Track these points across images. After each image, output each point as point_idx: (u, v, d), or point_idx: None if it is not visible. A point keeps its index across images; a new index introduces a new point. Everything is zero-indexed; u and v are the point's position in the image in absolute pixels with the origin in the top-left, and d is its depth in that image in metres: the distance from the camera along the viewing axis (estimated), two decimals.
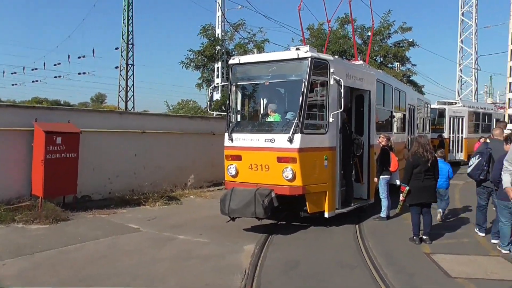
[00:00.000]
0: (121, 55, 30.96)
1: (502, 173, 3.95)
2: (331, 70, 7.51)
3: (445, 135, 20.69)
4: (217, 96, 17.61)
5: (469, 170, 7.22)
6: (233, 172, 7.76)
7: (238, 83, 8.24)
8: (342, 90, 7.23)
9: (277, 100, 8.25)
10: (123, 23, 30.86)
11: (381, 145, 8.67)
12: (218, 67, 17.82)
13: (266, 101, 8.25)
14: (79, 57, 34.20)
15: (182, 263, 5.75)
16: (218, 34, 17.92)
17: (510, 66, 24.56)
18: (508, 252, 6.21)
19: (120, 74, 31.28)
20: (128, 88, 31.23)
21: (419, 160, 6.79)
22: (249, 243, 6.73)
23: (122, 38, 30.85)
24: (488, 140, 8.27)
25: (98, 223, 7.99)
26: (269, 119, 7.89)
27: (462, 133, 21.97)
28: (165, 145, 11.42)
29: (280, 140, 7.26)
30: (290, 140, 7.14)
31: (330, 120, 7.48)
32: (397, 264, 5.79)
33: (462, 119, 22.08)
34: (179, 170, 11.65)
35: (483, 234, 7.34)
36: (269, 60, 7.96)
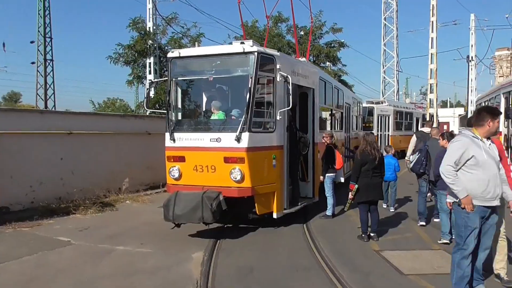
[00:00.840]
0: (38, 50, 28.34)
1: (450, 180, 4.06)
2: (278, 66, 7.26)
3: (374, 132, 21.63)
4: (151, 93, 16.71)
5: (411, 165, 8.09)
6: (176, 175, 7.22)
7: (178, 79, 7.69)
8: (290, 87, 7.02)
9: (221, 96, 7.84)
10: (39, 14, 28.26)
11: (326, 143, 8.62)
12: (150, 63, 16.93)
13: (209, 98, 7.79)
14: None
15: (126, 279, 5.13)
16: (149, 27, 17.01)
17: (431, 69, 26.53)
18: (448, 241, 6.54)
19: (38, 71, 28.64)
20: (48, 86, 28.71)
21: (367, 158, 6.79)
22: (197, 251, 6.26)
23: (38, 31, 28.24)
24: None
25: (21, 238, 7.00)
26: (213, 117, 7.45)
27: (388, 130, 23.15)
28: (95, 147, 10.48)
29: (227, 139, 6.87)
30: (238, 139, 6.78)
31: (278, 118, 7.23)
32: (351, 264, 5.69)
33: (389, 117, 23.29)
34: (112, 174, 10.78)
35: (424, 223, 7.85)
36: (212, 54, 7.51)
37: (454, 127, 37.52)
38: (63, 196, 9.44)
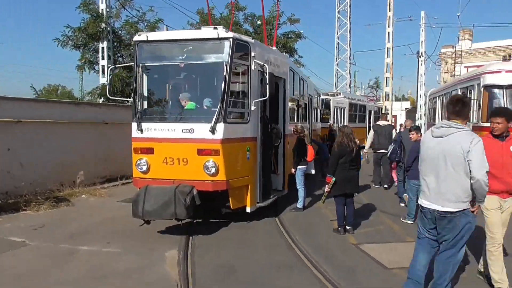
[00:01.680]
0: None
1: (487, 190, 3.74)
2: (252, 54, 6.95)
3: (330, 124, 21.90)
4: (103, 80, 15.71)
5: (388, 154, 9.14)
6: (144, 168, 6.72)
7: (146, 64, 7.13)
8: (267, 76, 6.72)
9: (193, 85, 7.41)
10: None
11: (296, 135, 8.44)
12: (103, 48, 15.86)
13: (180, 86, 7.33)
14: None
15: (97, 284, 4.64)
16: (102, 9, 15.92)
17: (387, 63, 27.32)
18: (412, 222, 7.19)
19: None
20: None
21: (344, 151, 6.68)
22: (169, 249, 5.87)
23: None
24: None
25: None
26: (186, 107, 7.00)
27: (344, 122, 23.55)
28: (47, 136, 9.61)
29: (201, 130, 6.48)
30: (213, 130, 6.41)
31: (252, 108, 6.94)
32: (333, 259, 5.56)
33: (344, 109, 23.71)
34: (66, 166, 9.96)
35: (403, 205, 8.47)
36: (183, 39, 7.03)
37: (401, 120, 39.00)
38: (10, 191, 8.57)
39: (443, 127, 3.70)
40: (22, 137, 9.00)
